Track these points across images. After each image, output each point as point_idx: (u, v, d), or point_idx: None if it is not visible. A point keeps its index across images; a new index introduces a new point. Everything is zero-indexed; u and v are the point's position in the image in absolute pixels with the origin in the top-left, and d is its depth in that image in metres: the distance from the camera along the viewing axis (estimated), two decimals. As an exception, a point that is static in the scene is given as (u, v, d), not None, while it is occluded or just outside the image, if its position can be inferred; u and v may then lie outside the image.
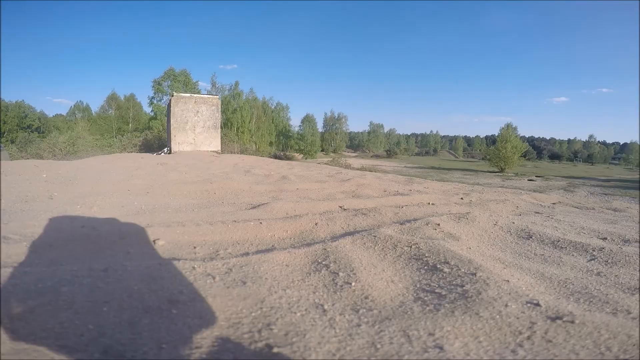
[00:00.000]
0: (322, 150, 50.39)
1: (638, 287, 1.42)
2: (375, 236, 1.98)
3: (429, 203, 3.54)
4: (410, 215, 2.83)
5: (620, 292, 1.36)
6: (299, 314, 1.11)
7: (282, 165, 9.29)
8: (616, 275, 1.56)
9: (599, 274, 1.59)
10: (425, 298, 1.26)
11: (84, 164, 6.70)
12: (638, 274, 1.58)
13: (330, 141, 54.20)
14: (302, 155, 39.30)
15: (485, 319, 1.08)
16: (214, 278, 1.35)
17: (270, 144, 39.16)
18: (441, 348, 0.94)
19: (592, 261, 1.79)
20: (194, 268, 1.42)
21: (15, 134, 30.92)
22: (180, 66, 33.28)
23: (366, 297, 1.26)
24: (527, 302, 1.20)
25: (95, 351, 0.87)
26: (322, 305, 1.19)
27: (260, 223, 2.29)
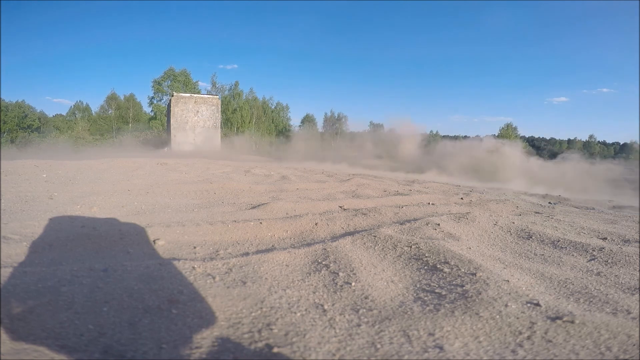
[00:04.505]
0: (322, 150, 50.37)
1: (638, 287, 1.42)
2: (375, 236, 1.98)
3: (429, 203, 3.54)
4: (410, 215, 2.83)
5: (620, 292, 1.36)
6: (299, 314, 1.11)
7: (282, 165, 9.29)
8: (616, 275, 1.56)
9: (599, 274, 1.59)
10: (425, 298, 1.26)
11: (84, 164, 6.71)
12: (638, 274, 1.58)
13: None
14: (302, 155, 39.28)
15: (485, 319, 1.08)
16: (214, 278, 1.35)
17: (271, 144, 39.17)
18: (441, 348, 0.94)
19: (592, 261, 1.79)
20: (194, 268, 1.42)
21: (15, 134, 30.91)
22: (180, 66, 33.25)
23: (366, 297, 1.26)
24: (527, 302, 1.20)
25: (95, 351, 0.87)
26: (322, 305, 1.19)
27: (260, 223, 2.29)
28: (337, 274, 1.47)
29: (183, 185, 3.95)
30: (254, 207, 2.93)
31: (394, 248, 1.81)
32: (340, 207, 3.14)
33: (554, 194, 6.23)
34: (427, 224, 2.31)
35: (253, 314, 1.09)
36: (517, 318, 1.09)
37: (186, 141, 13.11)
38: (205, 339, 0.94)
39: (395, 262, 1.65)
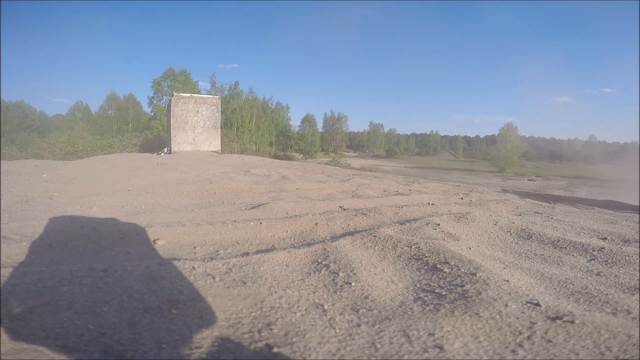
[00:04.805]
0: (322, 150, 50.44)
1: (638, 287, 1.42)
2: (375, 236, 1.98)
3: (429, 203, 3.54)
4: (410, 215, 2.83)
5: (620, 292, 1.36)
6: (299, 314, 1.11)
7: (282, 165, 9.29)
8: (616, 275, 1.56)
9: (599, 274, 1.59)
10: (425, 298, 1.26)
11: (83, 164, 6.70)
12: (638, 274, 1.57)
13: (330, 141, 54.25)
14: (302, 155, 39.37)
15: (485, 319, 1.08)
16: (214, 278, 1.35)
17: (270, 144, 39.17)
18: (441, 348, 0.94)
19: (592, 261, 1.79)
20: (194, 268, 1.42)
21: (15, 134, 30.89)
22: (180, 66, 33.20)
23: (366, 297, 1.26)
24: (527, 302, 1.20)
25: (95, 351, 0.87)
26: (322, 305, 1.19)
27: (260, 223, 2.29)
28: (337, 274, 1.47)
29: (183, 185, 3.95)
30: (254, 207, 2.93)
31: (394, 248, 1.81)
32: (340, 207, 3.14)
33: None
34: (427, 224, 2.31)
35: (253, 314, 1.09)
36: (517, 318, 1.09)
37: (186, 141, 13.08)
38: (205, 339, 0.94)
39: (395, 262, 1.65)
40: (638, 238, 2.24)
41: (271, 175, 5.84)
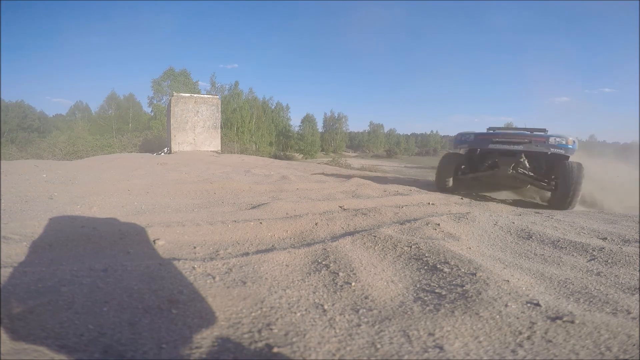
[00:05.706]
0: (322, 150, 50.41)
1: (638, 287, 1.42)
2: (375, 236, 1.98)
3: (429, 203, 3.54)
4: (410, 215, 2.83)
5: (620, 292, 1.36)
6: (299, 314, 1.11)
7: (282, 165, 9.28)
8: (616, 275, 1.56)
9: (599, 274, 1.59)
10: (425, 298, 1.26)
11: (83, 164, 6.71)
12: (638, 274, 1.57)
13: (330, 141, 54.25)
14: (302, 155, 39.36)
15: (485, 319, 1.08)
16: (214, 278, 1.35)
17: (270, 144, 39.16)
18: (441, 348, 0.94)
19: (592, 261, 1.79)
20: (194, 268, 1.42)
21: (15, 134, 30.89)
22: (180, 66, 33.22)
23: (366, 297, 1.26)
24: (527, 302, 1.20)
25: (95, 351, 0.87)
26: (322, 305, 1.19)
27: (260, 223, 2.29)
28: (337, 274, 1.47)
29: (183, 185, 3.95)
30: (254, 207, 2.93)
31: (394, 248, 1.81)
32: (340, 207, 3.14)
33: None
34: (427, 224, 2.31)
35: (253, 314, 1.09)
36: (517, 318, 1.09)
37: (186, 141, 13.08)
38: (205, 339, 0.94)
39: (395, 262, 1.65)
40: (638, 238, 2.23)
41: (271, 175, 5.84)
